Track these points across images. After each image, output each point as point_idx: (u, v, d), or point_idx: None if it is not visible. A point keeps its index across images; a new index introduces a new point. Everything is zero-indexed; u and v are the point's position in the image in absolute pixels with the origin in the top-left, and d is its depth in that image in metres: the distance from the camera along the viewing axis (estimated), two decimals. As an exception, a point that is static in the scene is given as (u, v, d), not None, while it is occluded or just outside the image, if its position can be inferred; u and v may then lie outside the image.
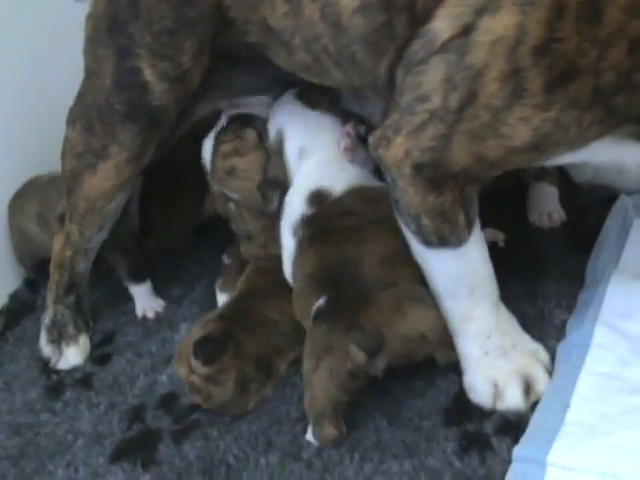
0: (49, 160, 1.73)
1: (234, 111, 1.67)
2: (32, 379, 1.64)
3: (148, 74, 1.46)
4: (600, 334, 1.33)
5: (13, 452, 1.48)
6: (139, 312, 1.74)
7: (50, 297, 1.70)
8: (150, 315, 1.73)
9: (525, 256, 1.54)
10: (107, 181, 1.55)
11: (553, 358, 1.34)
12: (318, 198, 1.50)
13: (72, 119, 1.56)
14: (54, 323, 1.68)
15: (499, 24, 1.10)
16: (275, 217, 1.57)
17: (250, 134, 1.63)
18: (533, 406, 1.28)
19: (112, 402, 1.53)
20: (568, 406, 1.24)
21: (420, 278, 1.35)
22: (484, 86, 1.12)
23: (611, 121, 1.13)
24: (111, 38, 1.47)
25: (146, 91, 1.47)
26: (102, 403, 1.54)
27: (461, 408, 1.31)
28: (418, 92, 1.18)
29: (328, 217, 1.48)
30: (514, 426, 1.26)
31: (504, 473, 1.19)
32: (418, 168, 1.20)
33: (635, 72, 1.08)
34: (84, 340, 1.69)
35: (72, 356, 1.66)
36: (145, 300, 1.75)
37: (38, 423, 1.53)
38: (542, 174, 1.60)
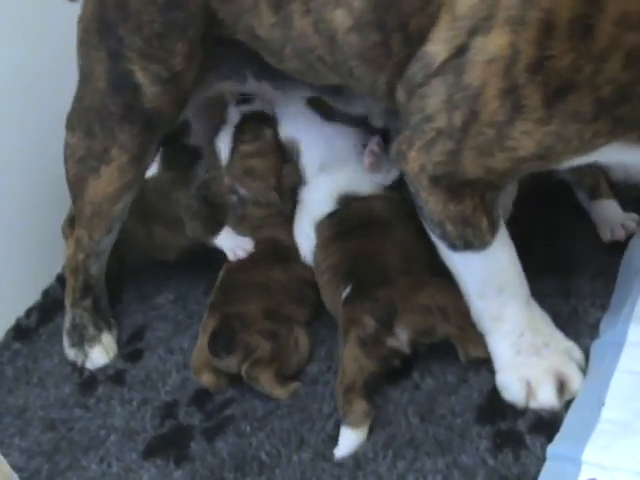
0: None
1: (245, 107, 1.69)
2: (65, 375, 1.66)
3: (140, 76, 1.46)
4: (634, 332, 1.31)
5: (47, 447, 1.50)
6: (231, 257, 1.67)
7: (68, 301, 1.70)
8: (241, 254, 1.66)
9: (559, 255, 1.53)
10: (111, 184, 1.55)
11: (587, 357, 1.33)
12: (345, 199, 1.59)
13: (71, 124, 1.57)
14: (74, 327, 1.69)
15: (492, 44, 1.11)
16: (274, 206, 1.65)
17: (268, 134, 1.67)
18: (567, 404, 1.27)
19: (144, 398, 1.54)
20: (603, 404, 1.23)
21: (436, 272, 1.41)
22: (485, 104, 1.13)
23: (618, 130, 1.13)
24: (102, 40, 1.47)
25: (139, 93, 1.47)
26: (134, 399, 1.55)
27: (494, 406, 1.31)
28: (424, 114, 1.20)
29: (354, 214, 1.56)
30: (548, 424, 1.25)
31: (538, 471, 1.18)
32: (434, 180, 1.22)
33: (636, 84, 1.08)
34: (107, 339, 1.69)
35: (97, 356, 1.67)
36: (232, 243, 1.68)
37: (71, 418, 1.54)
38: (597, 191, 1.58)
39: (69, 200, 1.87)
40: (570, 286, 1.46)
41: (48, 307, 1.85)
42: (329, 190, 1.60)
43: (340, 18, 1.27)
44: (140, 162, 1.55)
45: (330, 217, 1.59)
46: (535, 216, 1.56)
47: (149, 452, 1.43)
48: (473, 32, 1.12)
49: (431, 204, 1.24)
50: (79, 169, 1.57)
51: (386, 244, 1.50)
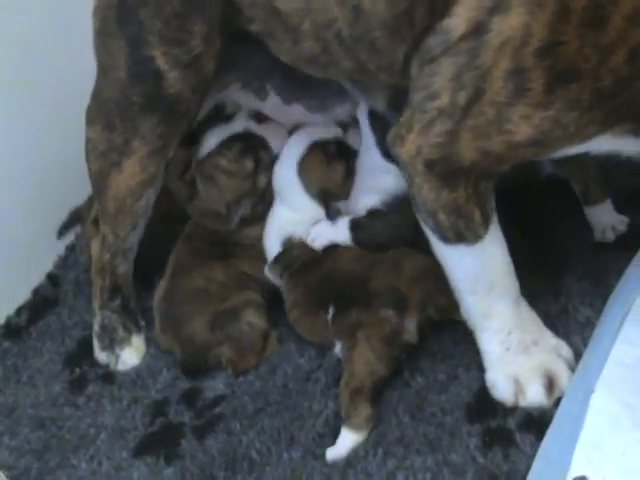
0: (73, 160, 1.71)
1: (252, 124, 1.70)
2: (55, 373, 1.65)
3: (161, 62, 1.45)
4: (629, 329, 1.32)
5: (37, 445, 1.50)
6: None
7: (96, 303, 1.68)
8: None
9: (549, 254, 1.53)
10: (133, 178, 1.54)
11: (576, 354, 1.33)
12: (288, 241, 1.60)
13: (91, 118, 1.55)
14: (103, 329, 1.66)
15: (508, 25, 1.11)
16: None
17: (249, 165, 1.67)
18: (557, 402, 1.27)
19: (135, 397, 1.54)
20: (593, 391, 1.24)
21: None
22: (491, 83, 1.14)
23: (610, 121, 1.14)
24: (121, 28, 1.47)
25: (161, 79, 1.46)
26: (125, 398, 1.55)
27: (484, 404, 1.31)
28: (428, 91, 1.20)
29: (299, 255, 1.56)
30: (537, 422, 1.26)
31: (527, 469, 1.19)
32: (429, 164, 1.22)
33: (633, 80, 1.09)
34: (137, 340, 1.67)
35: (128, 358, 1.64)
36: None
37: (61, 417, 1.54)
38: (588, 197, 1.59)
39: (60, 199, 1.89)
40: (560, 285, 1.46)
41: (38, 305, 1.84)
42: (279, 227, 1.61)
43: None
44: (161, 155, 1.53)
45: (278, 261, 1.57)
46: (524, 215, 1.56)
47: (139, 450, 1.44)
48: (494, 10, 1.12)
49: (424, 191, 1.24)
50: (101, 164, 1.55)
51: (337, 260, 1.51)
